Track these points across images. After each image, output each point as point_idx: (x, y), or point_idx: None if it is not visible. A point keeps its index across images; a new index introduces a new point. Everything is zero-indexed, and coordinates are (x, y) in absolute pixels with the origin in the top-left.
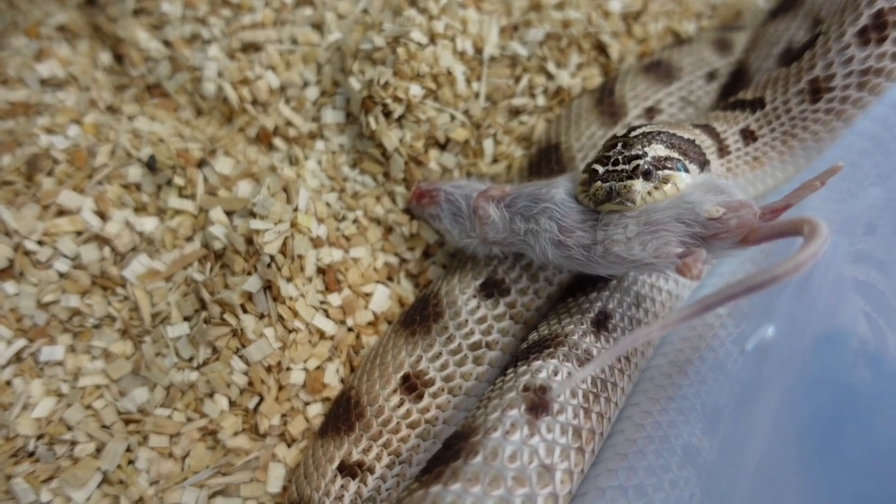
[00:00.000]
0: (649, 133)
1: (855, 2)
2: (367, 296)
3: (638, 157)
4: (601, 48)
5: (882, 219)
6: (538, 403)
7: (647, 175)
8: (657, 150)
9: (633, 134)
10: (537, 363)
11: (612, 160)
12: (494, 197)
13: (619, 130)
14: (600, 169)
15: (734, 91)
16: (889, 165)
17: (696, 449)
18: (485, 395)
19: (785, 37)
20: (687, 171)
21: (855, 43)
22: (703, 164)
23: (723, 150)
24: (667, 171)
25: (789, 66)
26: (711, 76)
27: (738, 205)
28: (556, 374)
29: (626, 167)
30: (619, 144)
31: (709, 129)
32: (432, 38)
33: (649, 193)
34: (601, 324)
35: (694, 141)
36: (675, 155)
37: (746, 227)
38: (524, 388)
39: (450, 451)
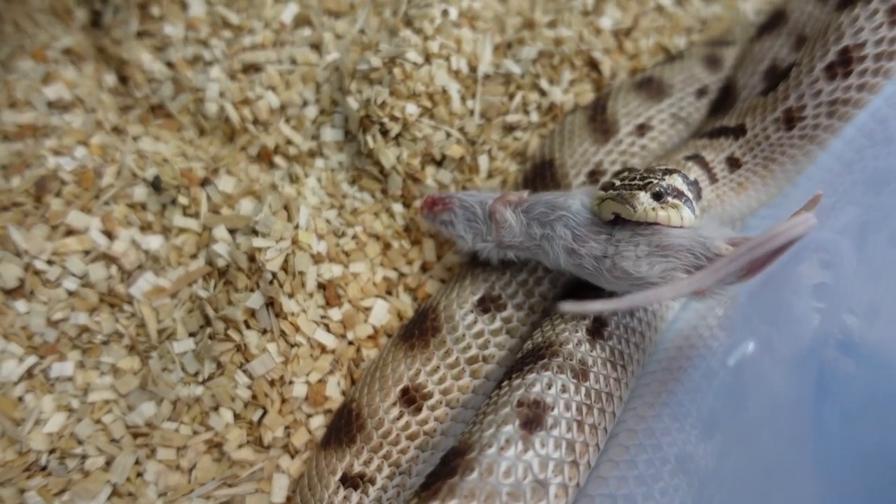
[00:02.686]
0: (670, 170)
1: (824, 38)
2: (367, 310)
3: (654, 178)
4: (593, 64)
5: (847, 233)
6: (532, 418)
7: (657, 196)
8: (676, 181)
9: (657, 167)
10: (531, 376)
11: (629, 178)
12: (512, 202)
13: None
14: (617, 182)
15: (723, 107)
16: (857, 183)
17: (689, 456)
18: (480, 409)
19: (770, 55)
20: (693, 211)
21: (823, 77)
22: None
23: (712, 179)
24: (676, 201)
25: (766, 96)
26: (702, 92)
27: (744, 241)
28: (549, 387)
29: (640, 182)
30: (642, 170)
31: (699, 160)
32: (427, 58)
33: (654, 211)
34: (596, 332)
35: (698, 182)
36: (689, 194)
37: (748, 264)
38: (518, 403)
39: (447, 468)
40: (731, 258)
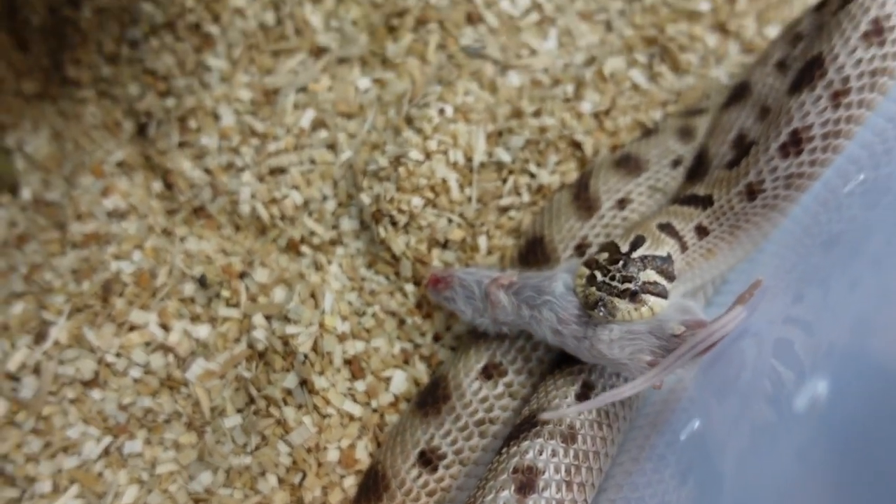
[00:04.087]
0: (646, 258)
1: (777, 121)
2: (388, 380)
3: (631, 279)
4: (576, 145)
5: (809, 287)
6: (526, 483)
7: (633, 296)
8: (649, 275)
9: (634, 255)
10: (525, 444)
11: (610, 274)
12: (504, 285)
13: (623, 244)
14: (599, 277)
15: (697, 173)
16: (814, 247)
17: None
18: (483, 476)
19: (737, 124)
20: (666, 297)
21: (778, 156)
22: (674, 276)
23: (683, 247)
24: (650, 297)
25: (731, 170)
26: (677, 162)
27: (695, 324)
28: (541, 453)
29: (619, 286)
30: (621, 262)
31: (670, 229)
32: (428, 155)
33: (629, 313)
34: (584, 395)
35: (671, 256)
36: (662, 281)
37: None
38: (514, 470)
39: None
40: (675, 357)
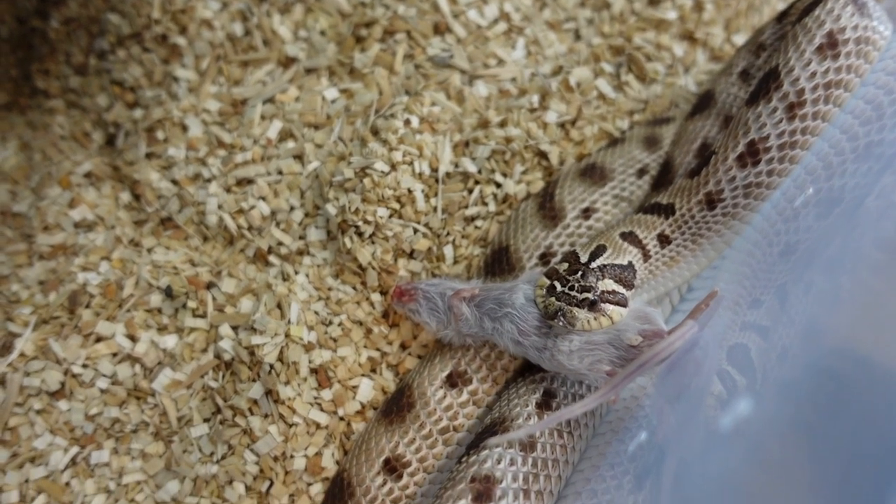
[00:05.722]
0: (605, 267)
1: (734, 131)
2: (355, 388)
3: (590, 289)
4: (542, 154)
5: (767, 294)
6: (483, 492)
7: (592, 305)
8: (608, 284)
9: (592, 265)
10: (484, 452)
11: (569, 284)
12: (466, 298)
13: (583, 254)
14: (558, 287)
15: (662, 182)
16: (773, 255)
17: None
18: (443, 485)
19: (701, 134)
20: (626, 305)
21: (735, 165)
22: (634, 284)
23: (646, 256)
24: (609, 306)
25: (692, 179)
26: (642, 172)
27: (652, 334)
28: (499, 462)
29: (578, 295)
30: (580, 273)
31: (633, 238)
32: (393, 167)
33: (588, 322)
34: (545, 404)
35: (632, 264)
36: (621, 290)
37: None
38: (471, 479)
39: None
40: (627, 373)
